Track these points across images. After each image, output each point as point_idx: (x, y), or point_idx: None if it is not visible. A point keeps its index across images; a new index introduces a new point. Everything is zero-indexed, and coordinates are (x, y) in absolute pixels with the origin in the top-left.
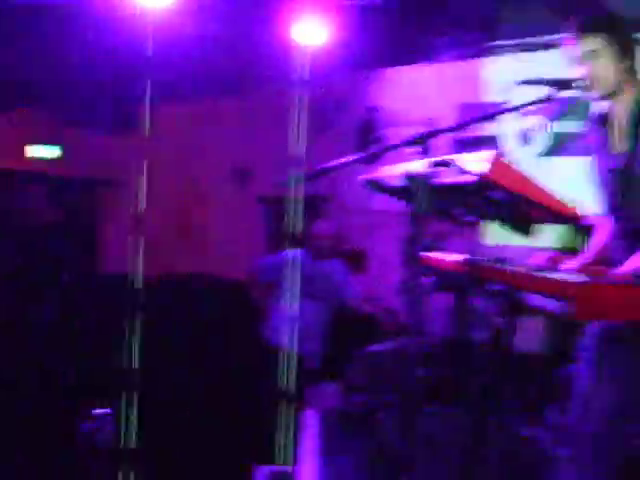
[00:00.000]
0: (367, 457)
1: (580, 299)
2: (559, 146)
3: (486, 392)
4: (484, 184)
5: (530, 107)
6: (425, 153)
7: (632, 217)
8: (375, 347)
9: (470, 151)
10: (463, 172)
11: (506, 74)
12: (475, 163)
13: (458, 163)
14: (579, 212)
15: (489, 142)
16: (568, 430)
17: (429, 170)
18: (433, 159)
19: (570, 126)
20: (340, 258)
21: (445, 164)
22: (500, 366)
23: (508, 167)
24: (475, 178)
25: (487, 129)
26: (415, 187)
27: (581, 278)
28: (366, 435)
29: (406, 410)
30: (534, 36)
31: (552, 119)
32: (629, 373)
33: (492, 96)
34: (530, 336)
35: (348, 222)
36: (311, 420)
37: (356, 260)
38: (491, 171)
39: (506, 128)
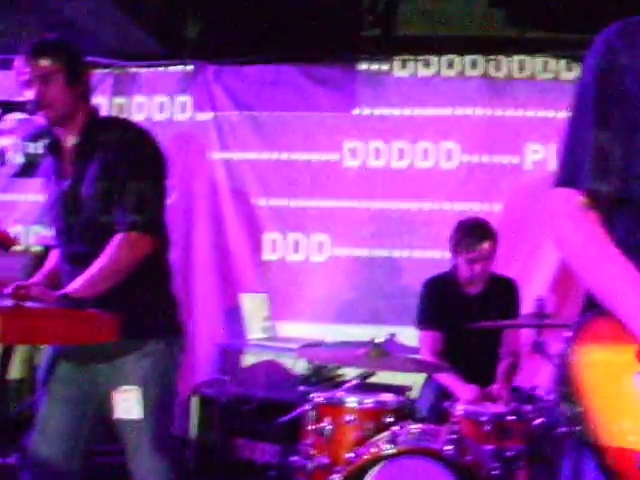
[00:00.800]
0: None
1: (1, 323)
2: (31, 167)
3: None
4: None
5: None
6: None
7: (74, 241)
8: None
9: None
10: None
11: None
12: None
13: None
14: (12, 236)
15: None
16: (29, 454)
17: None
18: None
19: (42, 148)
20: None
21: None
22: None
23: None
24: None
25: None
26: None
27: (4, 302)
28: None
29: None
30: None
31: (25, 140)
32: (80, 391)
33: None
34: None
35: None
36: None
37: None
38: None
39: None
